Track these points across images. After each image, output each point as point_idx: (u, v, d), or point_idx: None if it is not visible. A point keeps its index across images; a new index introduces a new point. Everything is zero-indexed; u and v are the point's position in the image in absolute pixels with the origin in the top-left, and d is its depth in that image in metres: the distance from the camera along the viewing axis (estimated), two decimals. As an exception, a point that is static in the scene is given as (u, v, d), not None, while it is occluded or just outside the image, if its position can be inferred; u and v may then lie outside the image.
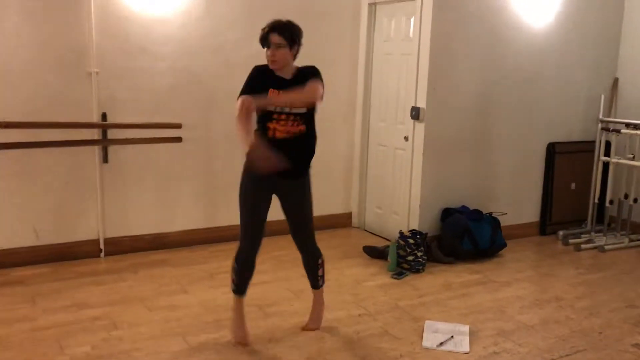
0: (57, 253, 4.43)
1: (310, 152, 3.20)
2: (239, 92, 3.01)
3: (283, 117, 3.01)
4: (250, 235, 3.20)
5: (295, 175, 3.14)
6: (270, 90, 2.99)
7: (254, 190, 3.13)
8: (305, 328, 3.46)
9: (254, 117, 3.07)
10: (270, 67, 3.04)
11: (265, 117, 3.03)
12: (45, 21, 4.16)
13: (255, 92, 2.96)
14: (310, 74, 3.07)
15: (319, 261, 3.40)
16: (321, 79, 3.09)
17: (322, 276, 3.45)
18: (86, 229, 4.53)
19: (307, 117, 3.09)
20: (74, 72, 4.30)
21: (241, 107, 2.89)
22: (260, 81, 3.03)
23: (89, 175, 4.47)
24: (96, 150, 4.47)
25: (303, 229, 3.30)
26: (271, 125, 3.02)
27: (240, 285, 3.29)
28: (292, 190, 3.20)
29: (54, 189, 4.37)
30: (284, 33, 2.99)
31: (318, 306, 3.50)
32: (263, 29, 3.02)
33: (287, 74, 3.07)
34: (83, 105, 4.36)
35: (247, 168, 3.09)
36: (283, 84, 3.03)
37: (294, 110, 3.02)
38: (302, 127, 3.07)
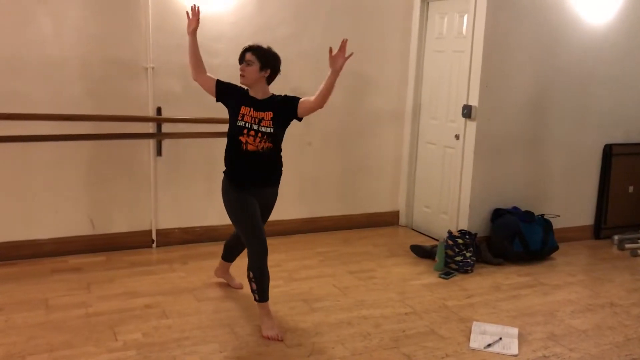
0: (111, 242, 4.57)
1: (278, 166, 3.45)
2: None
3: (252, 133, 3.26)
4: (257, 235, 3.30)
5: (268, 183, 3.42)
6: (242, 107, 3.29)
7: (238, 193, 3.34)
8: (238, 286, 3.90)
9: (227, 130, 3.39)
10: (240, 81, 3.33)
11: (236, 132, 3.29)
12: (104, 17, 4.30)
13: (230, 96, 3.37)
14: (287, 97, 3.34)
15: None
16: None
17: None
18: (139, 220, 4.66)
19: (274, 136, 3.30)
20: (130, 67, 4.43)
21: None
22: (238, 92, 3.38)
23: (143, 167, 4.60)
24: (151, 143, 4.58)
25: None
26: (242, 139, 3.27)
27: (262, 292, 3.33)
28: (265, 196, 3.43)
29: (109, 181, 4.51)
30: (256, 52, 3.28)
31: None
32: (245, 47, 3.34)
33: (259, 95, 3.33)
34: (139, 99, 4.48)
35: (227, 176, 3.38)
36: (255, 103, 3.30)
37: (261, 129, 3.26)
38: (270, 144, 3.30)
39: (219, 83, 3.41)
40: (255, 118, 3.25)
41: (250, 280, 3.32)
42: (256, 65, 3.26)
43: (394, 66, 5.38)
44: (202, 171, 4.81)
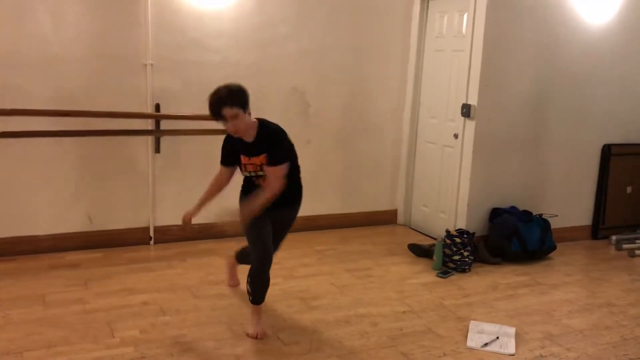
0: (109, 239, 4.57)
1: (292, 188, 3.31)
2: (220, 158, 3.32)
3: (260, 178, 3.20)
4: (263, 242, 3.22)
5: (283, 204, 3.27)
6: (241, 156, 3.19)
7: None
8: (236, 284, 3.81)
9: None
10: (234, 136, 3.14)
11: (246, 176, 3.27)
12: (103, 13, 4.29)
13: (231, 158, 3.25)
14: (272, 142, 3.12)
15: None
16: (283, 147, 3.16)
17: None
18: (137, 217, 4.66)
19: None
20: (129, 63, 4.42)
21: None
22: (231, 147, 3.24)
23: (141, 164, 4.59)
24: (149, 140, 4.58)
25: (275, 243, 3.41)
26: (256, 181, 3.23)
27: (258, 297, 3.31)
28: (281, 215, 3.34)
29: (107, 177, 4.51)
30: (234, 103, 2.99)
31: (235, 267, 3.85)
32: (211, 104, 3.01)
33: (249, 137, 3.14)
34: (137, 96, 4.48)
35: (246, 194, 3.30)
36: (247, 149, 3.16)
37: (261, 174, 3.18)
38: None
39: (223, 162, 3.32)
40: (255, 165, 3.16)
41: (247, 283, 3.29)
42: (241, 114, 3.01)
43: (393, 65, 5.38)
44: (201, 168, 4.79)
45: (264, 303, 3.35)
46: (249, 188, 3.28)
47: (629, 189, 5.58)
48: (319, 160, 5.22)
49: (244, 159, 3.18)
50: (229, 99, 2.99)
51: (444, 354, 3.17)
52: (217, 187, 3.37)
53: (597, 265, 4.85)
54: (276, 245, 3.42)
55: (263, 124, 3.17)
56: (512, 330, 3.45)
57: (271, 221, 3.29)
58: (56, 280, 3.90)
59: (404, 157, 5.56)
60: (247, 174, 3.24)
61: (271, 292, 3.83)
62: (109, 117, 4.35)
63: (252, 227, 3.22)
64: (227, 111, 2.97)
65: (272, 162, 3.11)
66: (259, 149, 3.12)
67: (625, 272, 4.68)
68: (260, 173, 3.17)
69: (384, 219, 5.64)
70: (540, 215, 4.93)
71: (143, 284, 3.91)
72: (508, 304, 3.90)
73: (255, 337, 3.24)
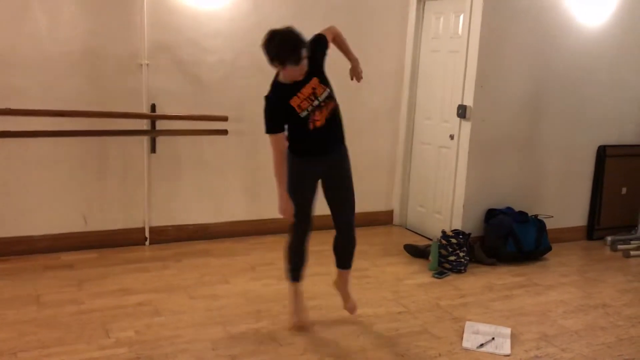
0: (104, 240, 4.55)
1: (341, 125, 3.25)
2: (265, 128, 3.06)
3: (317, 111, 3.07)
4: (301, 210, 3.20)
5: (336, 150, 3.22)
6: (292, 101, 3.02)
7: (300, 172, 3.18)
8: (350, 310, 3.50)
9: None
10: (297, 79, 3.01)
11: (302, 123, 3.06)
12: (99, 13, 4.28)
13: (281, 121, 3.06)
14: (312, 47, 3.01)
15: (354, 247, 3.45)
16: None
17: (353, 258, 3.50)
18: (132, 218, 4.64)
19: (331, 92, 3.13)
20: (125, 63, 4.41)
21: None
22: (280, 105, 3.04)
23: (137, 164, 4.58)
24: (145, 140, 4.57)
25: (345, 204, 3.33)
26: (310, 124, 3.07)
27: (293, 271, 3.36)
28: (334, 166, 3.24)
29: (103, 178, 4.49)
30: (302, 49, 2.86)
31: (348, 284, 3.53)
32: (287, 49, 2.84)
33: (301, 76, 3.02)
34: (133, 96, 4.46)
35: (293, 151, 3.16)
36: (299, 85, 3.03)
37: (321, 98, 3.06)
38: (332, 104, 3.13)
39: (277, 128, 3.08)
40: (309, 96, 3.03)
41: (285, 257, 3.34)
42: (305, 56, 2.91)
43: (389, 66, 5.38)
44: (196, 168, 4.79)
45: (299, 284, 3.37)
46: (304, 135, 3.08)
47: (624, 190, 5.60)
48: (315, 161, 5.21)
49: (295, 101, 3.01)
50: (302, 40, 2.86)
51: (440, 355, 3.17)
52: (284, 156, 3.11)
53: (592, 265, 4.86)
54: (348, 210, 3.32)
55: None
56: (508, 330, 3.45)
57: (321, 177, 3.22)
58: (51, 281, 3.89)
59: (399, 157, 5.57)
60: (304, 114, 3.03)
61: (267, 293, 3.84)
62: (104, 117, 4.33)
63: (295, 193, 3.13)
64: (305, 52, 2.87)
65: (320, 40, 3.12)
66: (309, 75, 3.02)
67: (620, 272, 4.69)
68: (315, 103, 3.03)
69: (380, 219, 5.64)
70: (536, 216, 4.94)
71: (138, 285, 3.90)
72: (503, 304, 3.91)
73: (295, 329, 3.30)
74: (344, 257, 3.46)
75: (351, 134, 5.32)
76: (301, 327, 3.33)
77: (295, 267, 3.36)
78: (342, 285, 3.53)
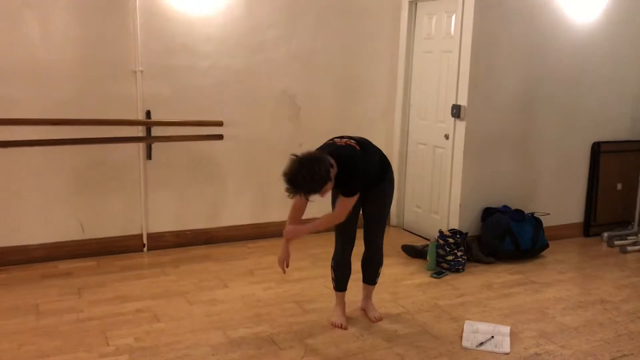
0: (101, 247, 4.55)
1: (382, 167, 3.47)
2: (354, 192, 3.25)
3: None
4: (343, 229, 3.44)
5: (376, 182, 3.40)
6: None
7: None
8: (375, 319, 3.59)
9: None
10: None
11: None
12: (92, 20, 4.28)
13: None
14: (344, 182, 3.17)
15: (377, 266, 3.62)
16: (353, 185, 3.21)
17: (378, 276, 3.66)
18: (130, 224, 4.64)
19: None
20: (119, 70, 4.41)
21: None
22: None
23: (133, 171, 4.58)
24: (140, 147, 4.57)
25: (375, 224, 3.52)
26: None
27: (339, 282, 3.55)
28: (377, 187, 3.42)
29: (99, 185, 4.49)
30: (327, 180, 3.03)
31: (371, 299, 3.69)
32: (307, 189, 3.00)
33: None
34: (128, 103, 4.46)
35: None
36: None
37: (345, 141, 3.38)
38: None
39: None
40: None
41: (331, 268, 3.55)
42: (330, 185, 3.10)
43: (382, 67, 5.39)
44: (193, 174, 4.79)
45: (343, 293, 3.55)
46: None
47: (619, 186, 5.62)
48: (311, 164, 5.21)
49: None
50: (322, 180, 3.00)
51: (440, 355, 3.18)
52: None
53: (589, 262, 4.87)
54: (375, 231, 3.51)
55: (339, 167, 3.15)
56: (507, 329, 3.46)
57: (365, 204, 3.44)
58: (49, 290, 3.88)
59: (395, 158, 5.57)
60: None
61: (266, 297, 3.85)
62: (99, 124, 4.33)
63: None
64: (326, 186, 3.05)
65: (344, 193, 3.22)
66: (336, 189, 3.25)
67: (617, 268, 4.70)
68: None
69: (377, 220, 5.64)
70: (532, 213, 4.96)
71: (137, 291, 3.90)
72: (502, 303, 3.92)
73: (341, 327, 3.44)
74: (366, 272, 3.63)
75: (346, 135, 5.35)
76: (340, 326, 3.47)
77: (340, 278, 3.55)
78: (365, 298, 3.69)
